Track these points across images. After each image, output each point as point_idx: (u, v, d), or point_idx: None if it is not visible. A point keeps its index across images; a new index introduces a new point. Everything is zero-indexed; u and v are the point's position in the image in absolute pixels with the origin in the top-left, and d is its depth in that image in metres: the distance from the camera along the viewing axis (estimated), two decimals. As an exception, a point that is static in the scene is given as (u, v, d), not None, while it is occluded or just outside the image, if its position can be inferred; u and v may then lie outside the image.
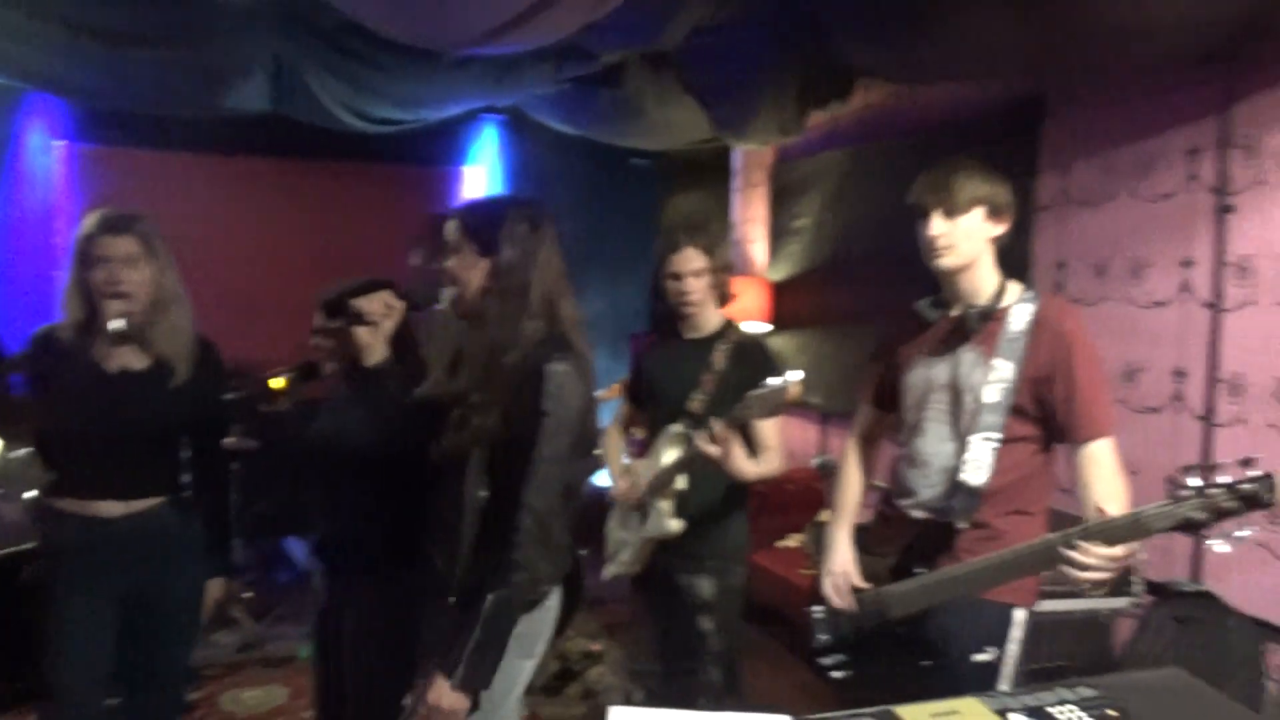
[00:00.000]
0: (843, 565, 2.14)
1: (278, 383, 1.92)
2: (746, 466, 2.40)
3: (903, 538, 2.07)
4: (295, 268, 5.18)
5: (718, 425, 2.32)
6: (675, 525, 2.52)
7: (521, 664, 1.88)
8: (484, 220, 1.88)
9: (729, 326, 2.65)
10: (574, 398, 1.78)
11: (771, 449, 2.51)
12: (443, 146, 5.52)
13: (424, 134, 4.97)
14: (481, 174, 5.65)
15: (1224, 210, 2.85)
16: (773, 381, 2.21)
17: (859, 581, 2.11)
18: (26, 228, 4.80)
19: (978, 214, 1.96)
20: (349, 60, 4.23)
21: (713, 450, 2.32)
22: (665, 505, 2.55)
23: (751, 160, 5.57)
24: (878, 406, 2.28)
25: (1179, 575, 2.94)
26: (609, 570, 2.77)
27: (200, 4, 3.82)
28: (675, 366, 2.65)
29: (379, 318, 1.90)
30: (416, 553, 2.02)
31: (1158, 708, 1.56)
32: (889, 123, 4.43)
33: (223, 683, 3.71)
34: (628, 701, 2.72)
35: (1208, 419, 2.90)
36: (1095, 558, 1.65)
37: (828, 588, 2.15)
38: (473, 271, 1.86)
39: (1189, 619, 2.74)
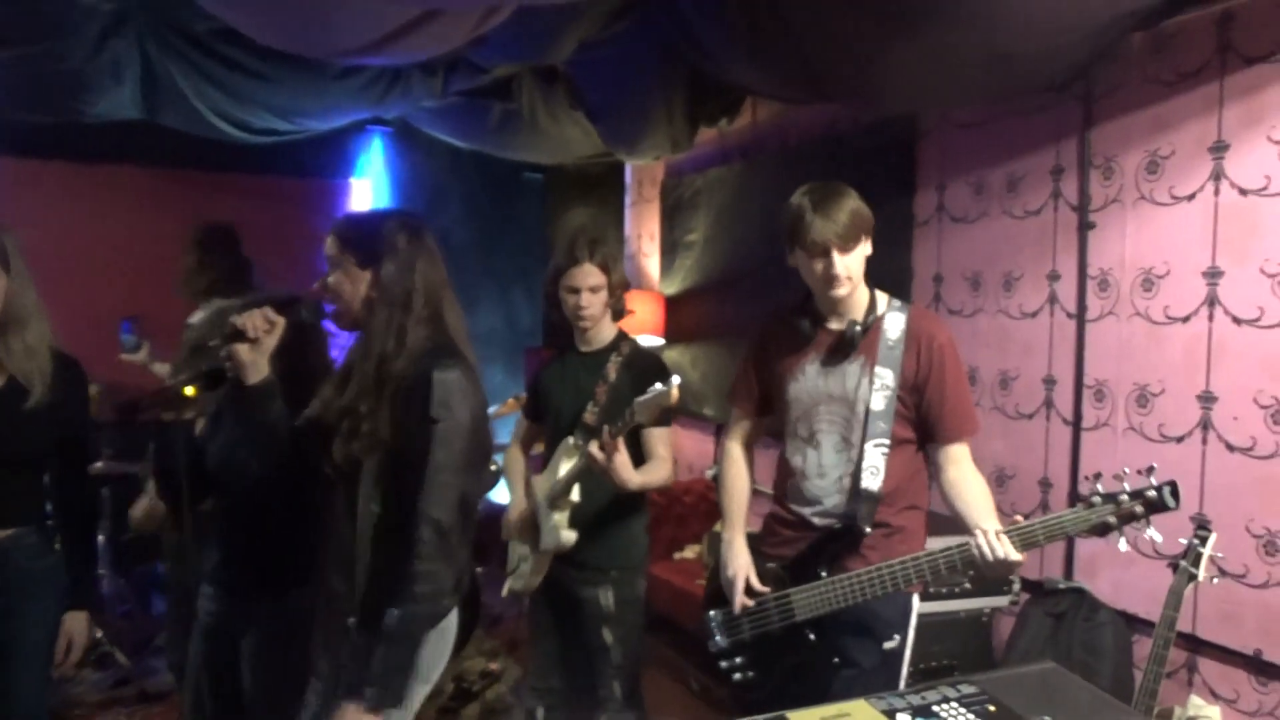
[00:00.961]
0: (743, 569, 2.16)
1: (190, 390, 1.83)
2: (632, 476, 2.41)
3: (799, 542, 2.12)
4: (165, 283, 4.96)
5: (606, 433, 2.34)
6: (569, 536, 2.53)
7: (416, 689, 1.84)
8: (362, 233, 1.89)
9: (622, 339, 2.68)
10: (464, 405, 1.77)
11: (662, 458, 2.54)
12: (329, 158, 5.38)
13: (309, 145, 4.84)
14: (369, 186, 5.53)
15: (1086, 227, 3.03)
16: (657, 387, 2.24)
17: (758, 584, 2.15)
18: None
19: (865, 242, 2.07)
20: (225, 68, 4.08)
21: (599, 458, 2.33)
22: (560, 517, 2.54)
23: (643, 175, 5.62)
24: (757, 414, 2.33)
25: (1053, 574, 3.10)
26: (508, 586, 2.74)
27: (62, 3, 3.63)
28: (570, 380, 2.67)
29: (259, 334, 1.84)
30: (311, 572, 1.97)
31: (1034, 700, 1.64)
32: (775, 139, 4.54)
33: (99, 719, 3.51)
34: (532, 716, 2.68)
35: (1076, 424, 3.07)
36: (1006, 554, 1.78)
37: (730, 591, 2.17)
38: (355, 284, 1.86)
39: (1063, 615, 2.89)
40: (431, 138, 5.18)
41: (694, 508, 4.45)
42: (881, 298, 2.14)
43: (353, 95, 4.37)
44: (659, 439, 2.55)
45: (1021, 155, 3.27)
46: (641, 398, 2.28)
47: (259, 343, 1.83)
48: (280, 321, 1.86)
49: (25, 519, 2.19)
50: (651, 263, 5.44)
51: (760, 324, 2.32)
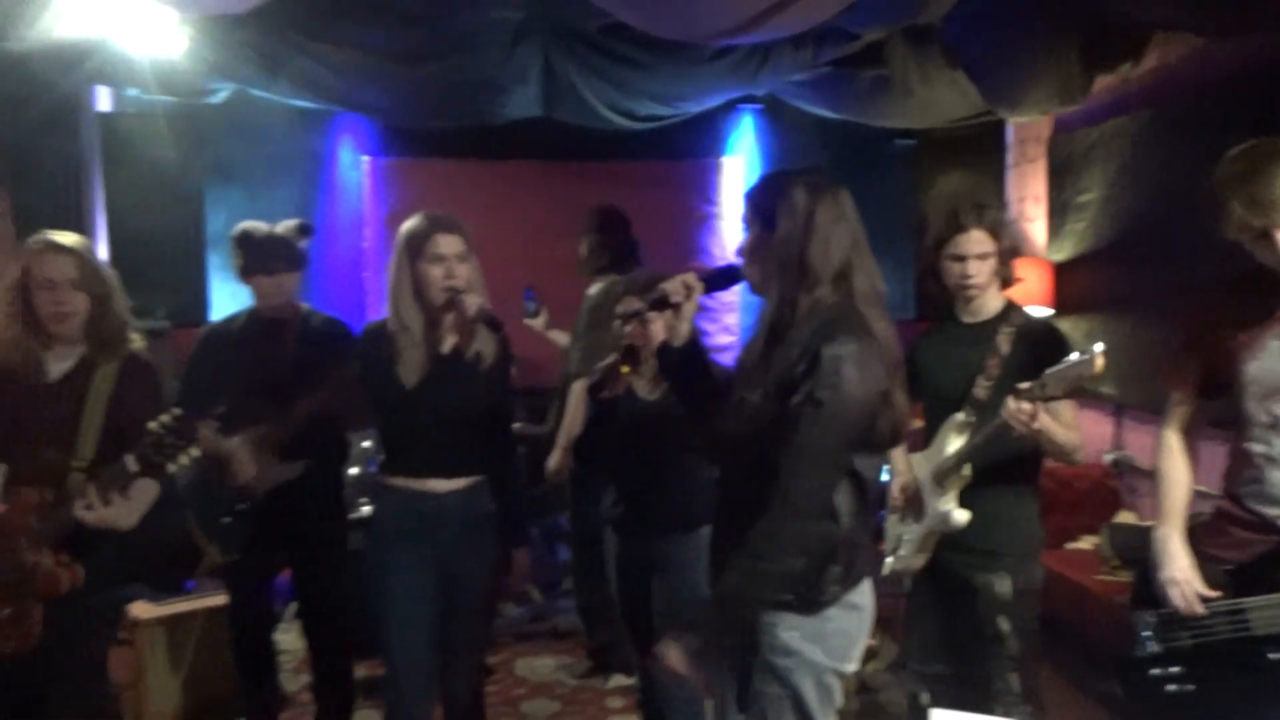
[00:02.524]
0: (1185, 572, 1.95)
1: (625, 368, 2.04)
2: (1059, 430, 2.26)
3: (1256, 545, 1.85)
4: (567, 266, 5.46)
5: (1021, 402, 2.18)
6: (961, 516, 2.41)
7: (836, 668, 1.81)
8: (764, 195, 1.85)
9: (1011, 309, 2.49)
10: (856, 384, 1.67)
11: (1071, 425, 2.35)
12: (701, 139, 5.59)
13: (682, 127, 5.07)
14: (740, 164, 5.67)
15: None
16: (1075, 356, 2.06)
17: (1205, 589, 1.92)
18: (339, 236, 5.40)
19: None
20: (613, 62, 4.39)
21: (1022, 419, 2.16)
22: (950, 496, 2.44)
23: (1026, 133, 5.19)
24: (1199, 397, 2.06)
25: None
26: (888, 566, 2.69)
27: (476, 20, 4.11)
28: (953, 353, 2.53)
29: (679, 298, 1.94)
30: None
31: None
32: (1190, 82, 3.96)
33: (515, 650, 4.00)
34: (914, 702, 2.62)
35: None
36: None
37: (1175, 596, 1.96)
38: (761, 249, 1.83)
39: None
40: (799, 111, 5.18)
41: (1088, 495, 4.06)
42: None
43: (726, 75, 4.50)
44: (1066, 408, 2.35)
45: None
46: (1055, 368, 2.11)
47: (681, 308, 1.92)
48: (699, 286, 1.93)
49: (476, 470, 2.51)
50: (1036, 228, 5.02)
51: (1202, 295, 2.04)
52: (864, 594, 1.86)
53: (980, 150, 5.45)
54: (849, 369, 1.67)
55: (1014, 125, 5.23)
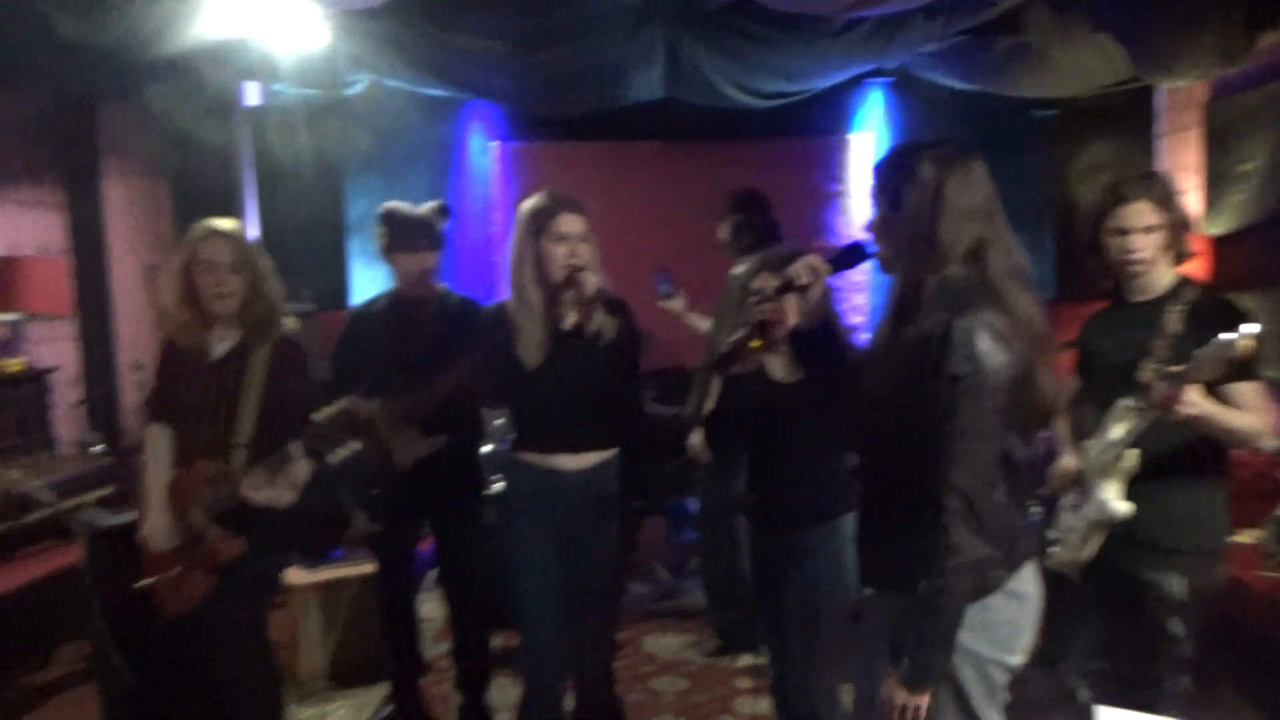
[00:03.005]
0: None
1: (755, 343, 2.01)
2: (1235, 419, 2.09)
3: None
4: (686, 247, 5.46)
5: (1159, 389, 2.06)
6: (1121, 508, 2.26)
7: (1001, 659, 1.73)
8: (891, 170, 1.77)
9: (1184, 285, 2.31)
10: (992, 357, 1.58)
11: (1255, 407, 2.15)
12: (828, 115, 5.48)
13: (807, 104, 4.97)
14: (868, 140, 5.53)
15: None
16: (1221, 337, 1.92)
17: None
18: (471, 220, 5.55)
19: None
20: (738, 39, 4.35)
21: (1169, 407, 2.04)
22: (1111, 486, 2.29)
23: (1179, 100, 4.87)
24: None
25: None
26: (1056, 558, 2.48)
27: (599, 3, 4.13)
28: (1121, 333, 2.36)
29: (805, 281, 1.91)
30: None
31: None
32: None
33: (643, 627, 4.05)
34: (1072, 698, 2.51)
35: None
36: None
37: None
38: (888, 227, 1.78)
39: None
40: (930, 83, 5.01)
41: (1252, 485, 3.79)
42: None
43: (854, 48, 4.39)
44: (1249, 393, 2.17)
45: None
46: (1202, 349, 1.97)
47: (808, 290, 1.89)
48: (825, 269, 1.90)
49: (603, 447, 2.54)
50: (1191, 199, 4.72)
51: None
52: (1027, 580, 1.76)
53: (1127, 119, 5.16)
54: (983, 341, 1.58)
55: (1166, 91, 4.92)
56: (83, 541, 3.11)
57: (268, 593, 2.82)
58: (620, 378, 2.52)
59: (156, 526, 2.52)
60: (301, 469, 2.51)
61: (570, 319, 2.44)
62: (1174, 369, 2.07)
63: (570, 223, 2.38)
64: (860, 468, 1.92)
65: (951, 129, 5.34)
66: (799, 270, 1.90)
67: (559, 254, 2.37)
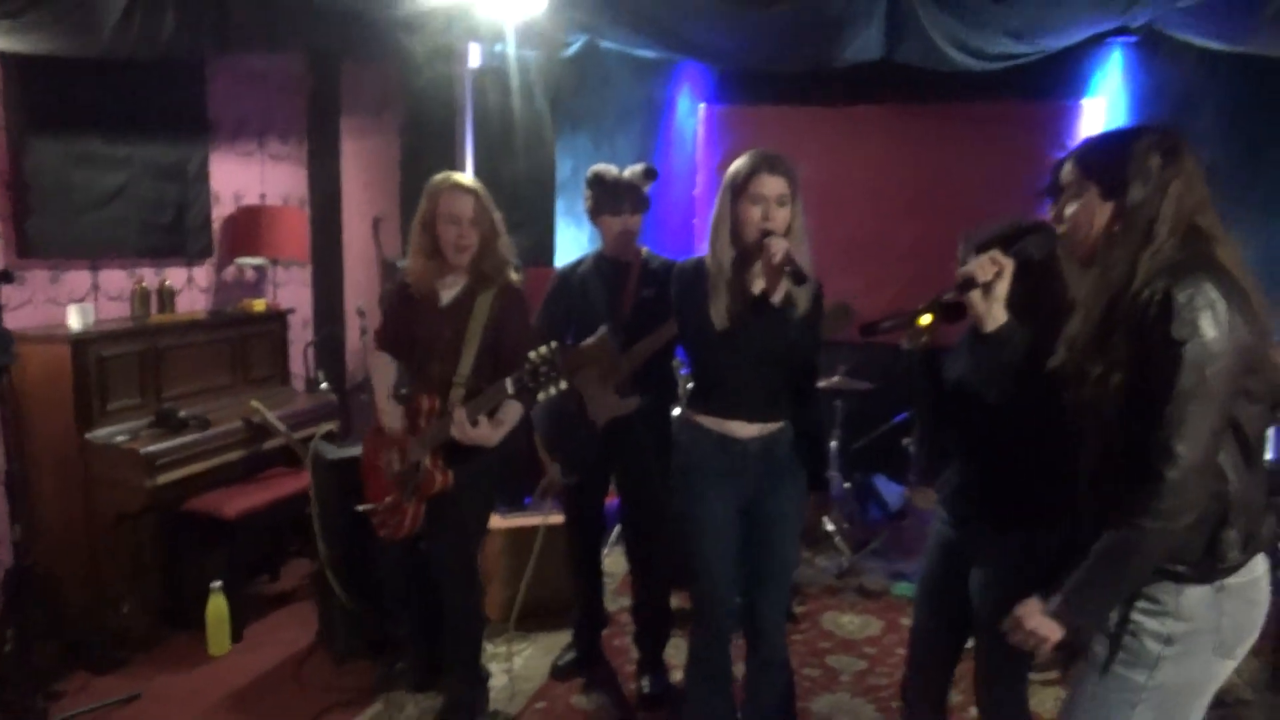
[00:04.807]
0: None
1: (925, 319, 1.88)
2: None
3: None
4: (907, 212, 5.26)
5: None
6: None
7: (1216, 662, 1.65)
8: (1108, 158, 1.67)
9: None
10: (1215, 323, 1.50)
11: None
12: (1057, 77, 5.04)
13: (1037, 65, 4.61)
14: (1102, 105, 5.08)
15: None
16: None
17: None
18: (675, 182, 5.58)
19: None
20: (966, -5, 4.08)
21: None
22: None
23: None
24: None
25: None
26: None
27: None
28: None
29: (988, 278, 1.78)
30: (1058, 515, 1.89)
31: None
32: None
33: (823, 603, 4.00)
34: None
35: None
36: None
37: None
38: (1095, 215, 1.68)
39: None
40: (1182, 43, 4.52)
41: None
42: None
43: (1098, 5, 4.03)
44: None
45: None
46: None
47: (991, 288, 1.77)
48: (1009, 264, 1.78)
49: (778, 417, 2.48)
50: None
51: None
52: (1258, 571, 1.65)
53: None
54: (1206, 304, 1.51)
55: None
56: (310, 470, 3.42)
57: (480, 529, 3.01)
58: (804, 349, 2.45)
59: (389, 413, 2.84)
60: (511, 412, 2.65)
61: (757, 285, 2.37)
62: None
63: (768, 184, 2.30)
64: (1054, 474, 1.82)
65: (1208, 95, 4.82)
66: (982, 267, 1.79)
67: (753, 215, 2.31)
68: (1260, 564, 1.66)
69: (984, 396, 2.06)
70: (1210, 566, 1.60)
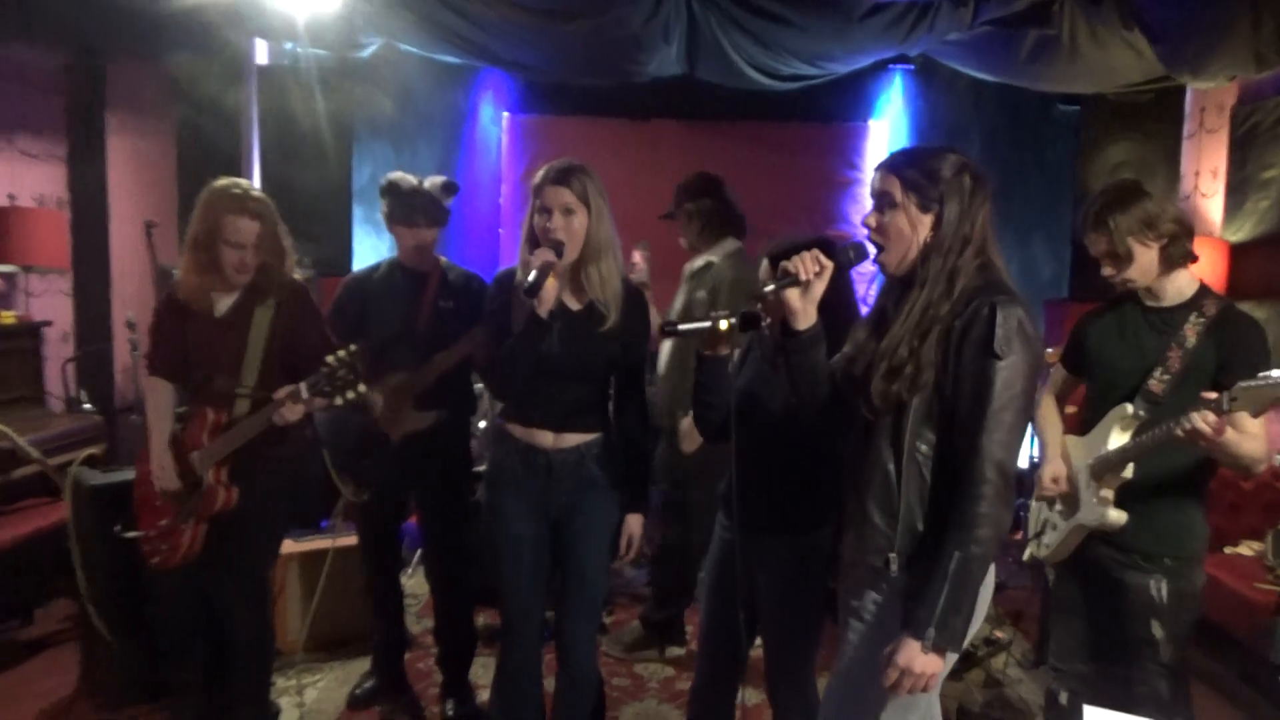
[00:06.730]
0: None
1: (723, 326, 1.90)
2: (1246, 446, 2.07)
3: None
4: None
5: (1206, 414, 1.99)
6: (1118, 517, 2.23)
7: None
8: (924, 173, 1.75)
9: (1204, 295, 2.24)
10: (1026, 345, 1.65)
11: (1253, 435, 2.10)
12: (846, 101, 5.38)
13: (826, 89, 4.88)
14: (885, 128, 5.43)
15: None
16: (1274, 375, 1.87)
17: None
18: (479, 191, 5.48)
19: None
20: (760, 19, 4.24)
21: (1206, 431, 1.98)
22: (1107, 494, 2.26)
23: (1208, 101, 4.76)
24: None
25: None
26: (1029, 552, 2.53)
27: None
28: (1130, 337, 2.30)
29: (809, 276, 1.84)
30: (830, 513, 1.98)
31: None
32: None
33: (633, 612, 4.00)
34: (1053, 700, 2.47)
35: None
36: None
37: None
38: (913, 227, 1.76)
39: None
40: (953, 73, 4.91)
41: (1253, 497, 3.74)
42: None
43: (878, 35, 4.29)
44: (1253, 419, 2.11)
45: None
46: (1249, 383, 1.90)
47: (810, 287, 1.82)
48: (830, 266, 1.84)
49: (597, 428, 2.46)
50: (1213, 204, 4.63)
51: None
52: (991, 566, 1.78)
53: (1153, 119, 5.05)
54: (1024, 327, 1.66)
55: (1194, 92, 4.82)
56: (69, 499, 3.08)
57: (270, 550, 2.82)
58: (612, 359, 2.43)
59: (164, 468, 2.58)
60: (295, 411, 2.47)
61: (551, 296, 2.32)
62: (1212, 396, 2.00)
63: (553, 195, 2.30)
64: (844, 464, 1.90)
65: (975, 120, 5.25)
66: (805, 264, 1.84)
67: (544, 227, 2.30)
68: None
69: (768, 403, 2.12)
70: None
